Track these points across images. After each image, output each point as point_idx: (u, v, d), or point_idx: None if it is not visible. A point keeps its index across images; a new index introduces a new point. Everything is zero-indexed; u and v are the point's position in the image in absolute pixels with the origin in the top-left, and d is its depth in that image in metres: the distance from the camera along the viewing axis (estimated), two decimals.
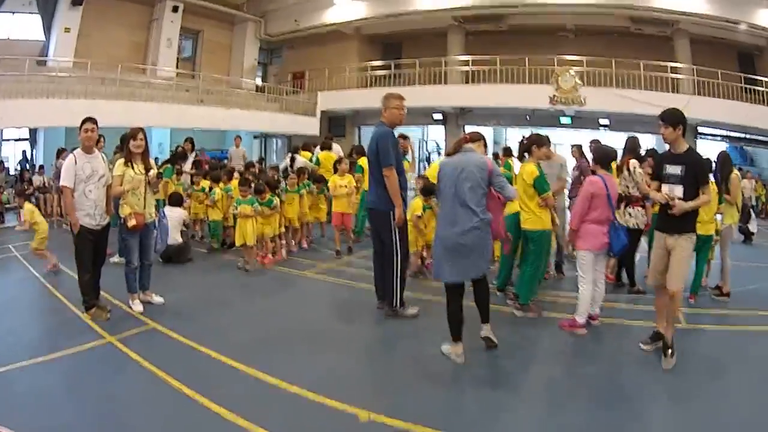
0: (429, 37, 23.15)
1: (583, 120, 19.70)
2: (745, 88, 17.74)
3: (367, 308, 6.61)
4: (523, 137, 7.27)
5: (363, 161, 10.14)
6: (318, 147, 12.91)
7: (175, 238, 8.70)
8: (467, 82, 20.60)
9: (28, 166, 18.12)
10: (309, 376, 4.60)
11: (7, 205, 15.46)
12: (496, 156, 12.41)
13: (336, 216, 9.71)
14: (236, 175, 10.60)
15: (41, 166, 16.41)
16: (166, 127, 19.42)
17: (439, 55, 21.49)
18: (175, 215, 8.96)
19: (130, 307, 6.58)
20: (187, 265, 9.05)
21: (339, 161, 10.49)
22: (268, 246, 9.01)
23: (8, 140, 20.09)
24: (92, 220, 6.18)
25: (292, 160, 12.15)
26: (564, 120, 20.11)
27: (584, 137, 14.43)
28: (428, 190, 7.31)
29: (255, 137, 24.18)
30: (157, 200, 7.64)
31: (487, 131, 23.07)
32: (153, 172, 6.54)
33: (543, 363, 5.18)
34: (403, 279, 6.19)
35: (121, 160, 6.46)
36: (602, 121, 19.32)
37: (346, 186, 9.66)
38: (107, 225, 6.46)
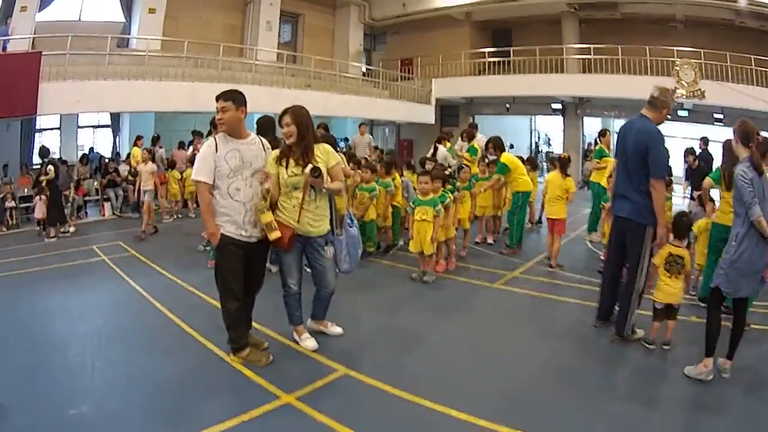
0: (540, 24, 22.30)
1: (698, 114, 18.84)
2: None
3: (590, 330, 5.78)
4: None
5: (509, 158, 9.27)
6: (461, 137, 12.15)
7: None
8: (583, 72, 19.89)
9: (110, 155, 17.28)
10: None
11: (87, 198, 13.86)
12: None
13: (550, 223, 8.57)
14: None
15: (128, 155, 15.07)
16: (275, 112, 17.75)
17: (550, 43, 20.66)
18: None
19: (297, 343, 5.17)
20: (347, 277, 7.58)
21: (567, 159, 8.90)
22: (441, 252, 8.03)
23: (85, 127, 18.72)
24: (240, 229, 4.65)
25: (435, 149, 11.40)
26: (681, 113, 19.09)
27: (699, 131, 15.11)
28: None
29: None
30: None
31: (595, 122, 22.71)
32: (309, 167, 4.71)
33: None
34: (638, 302, 5.45)
35: (275, 153, 4.87)
36: (717, 116, 18.40)
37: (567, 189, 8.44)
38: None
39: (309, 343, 5.07)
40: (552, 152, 23.46)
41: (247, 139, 4.74)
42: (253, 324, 5.15)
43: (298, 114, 4.79)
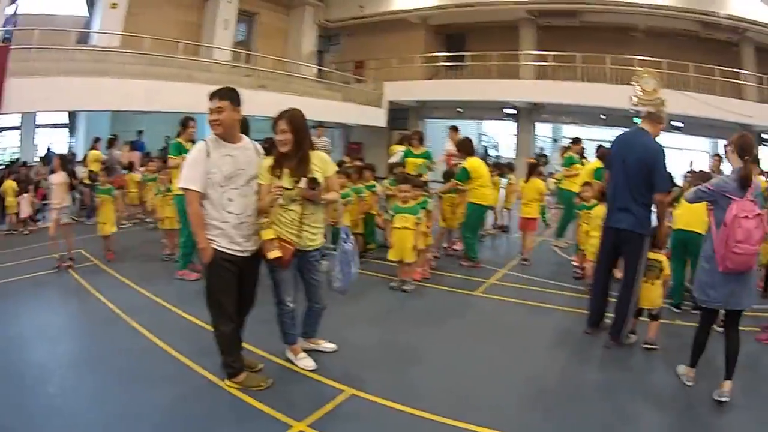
0: (497, 30, 22.51)
1: None
2: None
3: (582, 337, 5.87)
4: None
5: (474, 164, 8.41)
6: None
7: None
8: (539, 78, 20.29)
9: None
10: None
11: (45, 202, 13.23)
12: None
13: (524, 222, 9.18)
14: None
15: (85, 157, 13.95)
16: None
17: (506, 48, 21.07)
18: None
19: (293, 363, 4.81)
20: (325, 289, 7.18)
21: (536, 164, 9.62)
22: (420, 259, 7.80)
23: (43, 126, 18.24)
24: (232, 243, 4.21)
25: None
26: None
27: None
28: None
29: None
30: None
31: (546, 128, 23.70)
32: (303, 180, 4.31)
33: None
34: (635, 308, 5.66)
35: (269, 161, 4.39)
36: (675, 124, 18.76)
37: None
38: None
39: (306, 362, 4.75)
40: (500, 157, 23.53)
41: (242, 144, 4.30)
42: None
43: (296, 119, 4.32)
